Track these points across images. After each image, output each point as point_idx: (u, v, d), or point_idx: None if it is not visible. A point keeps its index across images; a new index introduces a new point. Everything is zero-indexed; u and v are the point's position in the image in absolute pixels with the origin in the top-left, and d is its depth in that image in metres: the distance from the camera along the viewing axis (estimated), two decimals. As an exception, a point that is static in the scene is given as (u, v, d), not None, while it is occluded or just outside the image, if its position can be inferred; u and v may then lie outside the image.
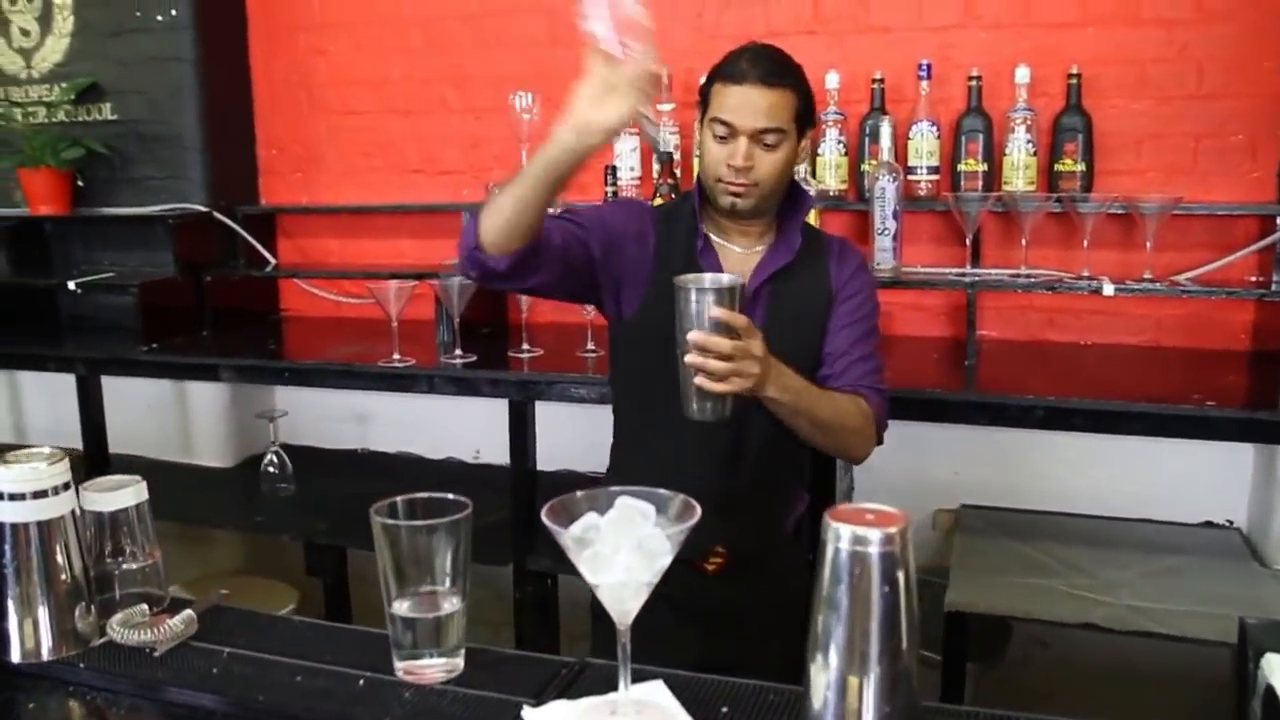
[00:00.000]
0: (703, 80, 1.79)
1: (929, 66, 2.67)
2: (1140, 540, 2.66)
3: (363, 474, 3.34)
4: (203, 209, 3.28)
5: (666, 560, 0.98)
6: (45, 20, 3.36)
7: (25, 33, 3.39)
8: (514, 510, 2.66)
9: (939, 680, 2.44)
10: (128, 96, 3.32)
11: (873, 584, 0.91)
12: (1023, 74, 2.61)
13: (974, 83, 2.66)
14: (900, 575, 0.92)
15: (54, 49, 3.37)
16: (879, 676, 0.92)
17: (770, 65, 1.69)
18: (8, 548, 1.17)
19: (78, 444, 3.12)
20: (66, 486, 1.21)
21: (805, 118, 1.74)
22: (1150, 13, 2.61)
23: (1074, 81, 2.60)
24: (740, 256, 1.82)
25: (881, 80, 2.73)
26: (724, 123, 1.70)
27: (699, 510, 1.00)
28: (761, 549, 1.86)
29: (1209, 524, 2.73)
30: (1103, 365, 2.60)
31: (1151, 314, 2.71)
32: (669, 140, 1.47)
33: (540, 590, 2.68)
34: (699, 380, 1.46)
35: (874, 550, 0.91)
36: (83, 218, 3.38)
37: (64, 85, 3.33)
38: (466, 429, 3.31)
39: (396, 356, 2.67)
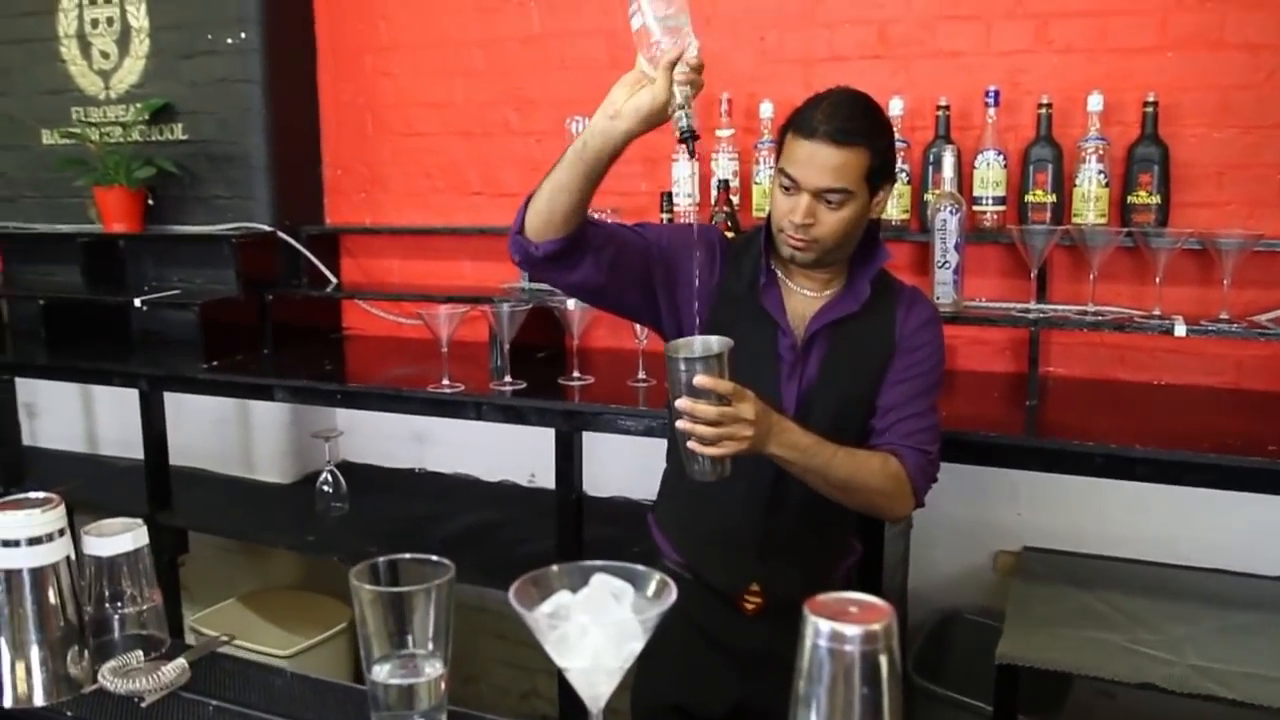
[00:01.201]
0: (782, 123, 1.75)
1: (997, 93, 2.57)
2: (1211, 592, 2.52)
3: (418, 494, 3.35)
4: (266, 228, 3.32)
5: (638, 646, 0.93)
6: (123, 43, 3.45)
7: (105, 55, 3.49)
8: (559, 539, 2.63)
9: (989, 733, 2.35)
10: (198, 117, 3.39)
11: (853, 685, 0.85)
12: (1095, 101, 2.49)
13: (1044, 110, 2.56)
14: (883, 676, 0.86)
15: (131, 70, 3.46)
16: (861, 780, 0.86)
17: (843, 122, 1.62)
18: (1, 593, 1.18)
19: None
20: (62, 533, 1.21)
21: (878, 175, 1.68)
22: (1234, 37, 2.47)
23: (1150, 109, 2.48)
24: (804, 300, 1.79)
25: (946, 107, 2.64)
26: (789, 176, 1.66)
27: (675, 591, 0.95)
28: (804, 593, 1.80)
29: (1288, 577, 2.58)
30: (1174, 408, 2.47)
31: (1231, 354, 2.56)
32: (693, 118, 1.46)
33: (583, 621, 2.64)
34: (691, 444, 1.47)
35: (854, 649, 0.85)
36: (153, 235, 3.45)
37: (139, 106, 3.41)
38: (522, 452, 3.29)
39: (446, 382, 2.67)
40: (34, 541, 1.17)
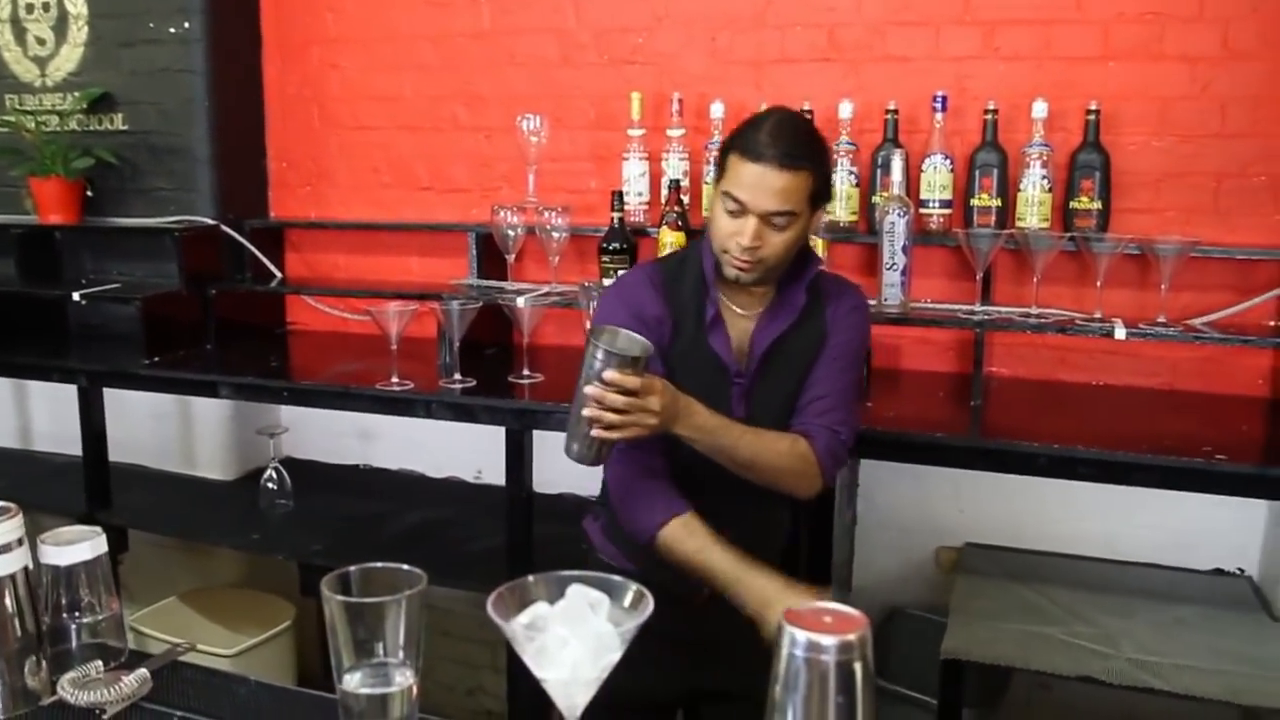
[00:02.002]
0: (721, 141, 1.79)
1: (944, 98, 2.62)
2: (1147, 587, 2.60)
3: (364, 492, 3.32)
4: (210, 221, 3.27)
5: (615, 657, 0.94)
6: (60, 29, 3.36)
7: (41, 41, 3.40)
8: (509, 537, 2.63)
9: (934, 727, 2.40)
10: (139, 107, 3.32)
11: (828, 695, 0.87)
12: (1040, 108, 2.55)
13: (990, 116, 2.61)
14: (858, 684, 0.88)
15: (68, 58, 3.37)
16: (834, 787, 0.88)
17: (789, 145, 1.66)
18: (-43, 604, 1.15)
19: (80, 449, 3.12)
20: (20, 543, 1.18)
21: (820, 196, 1.73)
22: (1174, 49, 2.54)
23: (1093, 117, 2.54)
24: (744, 320, 1.83)
25: (895, 111, 2.67)
26: (734, 199, 1.68)
27: (652, 601, 0.96)
28: None
29: (1219, 571, 2.67)
30: (1114, 409, 2.54)
31: (1167, 356, 2.64)
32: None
33: (534, 621, 2.64)
34: (596, 432, 1.56)
35: (830, 659, 0.87)
36: (91, 227, 3.37)
37: (76, 94, 3.33)
38: (469, 449, 3.29)
39: (395, 380, 2.65)
40: (-10, 552, 1.15)
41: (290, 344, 3.36)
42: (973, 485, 2.79)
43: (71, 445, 3.36)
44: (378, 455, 3.47)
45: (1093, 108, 2.54)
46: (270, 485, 3.09)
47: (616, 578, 0.99)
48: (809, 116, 1.79)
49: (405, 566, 1.09)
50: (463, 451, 3.32)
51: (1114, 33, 2.59)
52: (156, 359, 2.98)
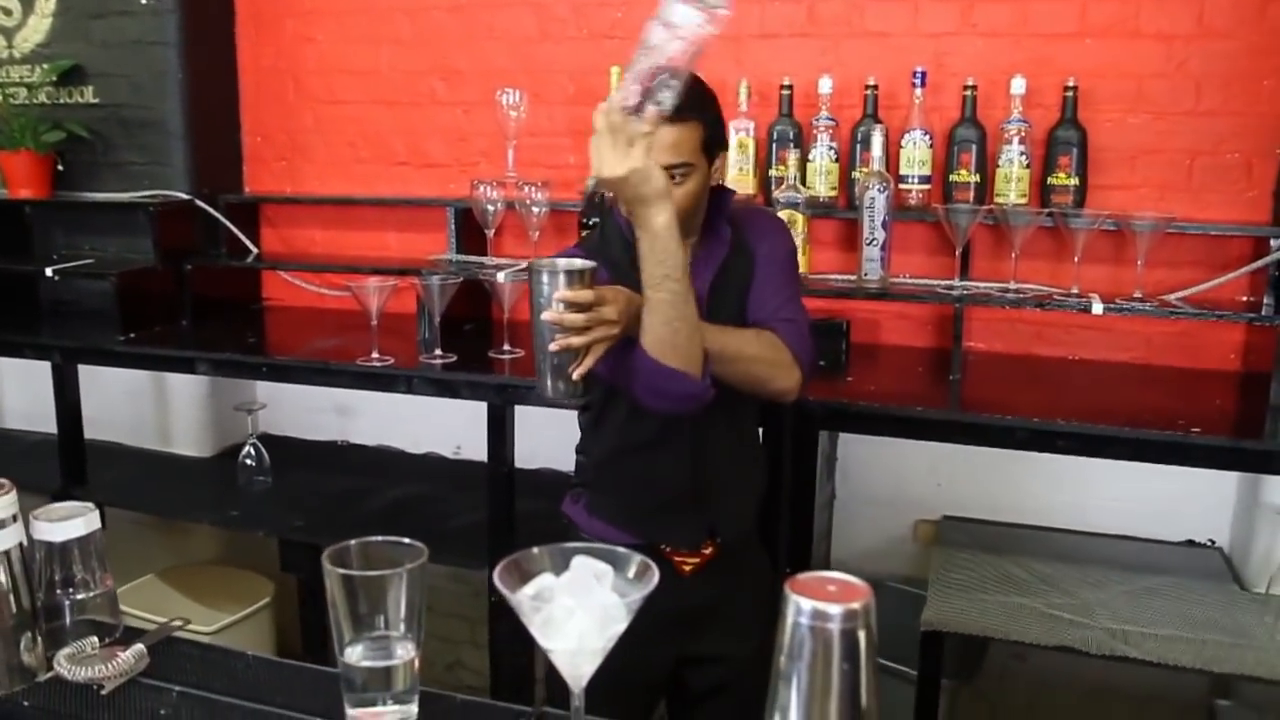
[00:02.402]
0: None
1: (923, 74, 2.63)
2: (1121, 558, 2.65)
3: (342, 467, 3.32)
4: (184, 196, 3.23)
5: (621, 627, 0.95)
6: (27, 0, 3.30)
7: (7, 11, 3.33)
8: (491, 512, 2.63)
9: (913, 697, 2.43)
10: (111, 80, 3.27)
11: (833, 662, 0.88)
12: (1018, 84, 2.57)
13: (969, 92, 2.62)
14: (862, 653, 0.89)
15: (36, 29, 3.31)
16: (837, 752, 0.89)
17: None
18: (-48, 581, 1.14)
19: (53, 428, 3.10)
20: (15, 519, 1.18)
21: (713, 145, 1.75)
22: (1150, 27, 2.56)
23: (1070, 94, 2.56)
24: None
25: (875, 87, 2.68)
26: None
27: (657, 573, 0.97)
28: (744, 529, 1.99)
29: (1191, 543, 2.72)
30: (1090, 383, 2.57)
31: (1141, 331, 2.68)
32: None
33: (516, 594, 2.65)
34: (556, 345, 1.52)
35: (835, 626, 0.88)
36: (63, 202, 3.32)
37: (45, 67, 3.27)
38: (448, 424, 3.29)
39: (375, 355, 2.64)
40: (-14, 527, 1.14)
41: (266, 320, 3.34)
42: (949, 460, 2.82)
43: (43, 423, 3.33)
44: (356, 431, 3.47)
45: (1070, 84, 2.56)
46: (249, 462, 3.08)
47: (621, 549, 1.00)
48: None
49: (406, 540, 1.10)
50: (441, 427, 3.32)
51: (1091, 10, 2.60)
52: (132, 335, 2.96)
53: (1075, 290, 2.51)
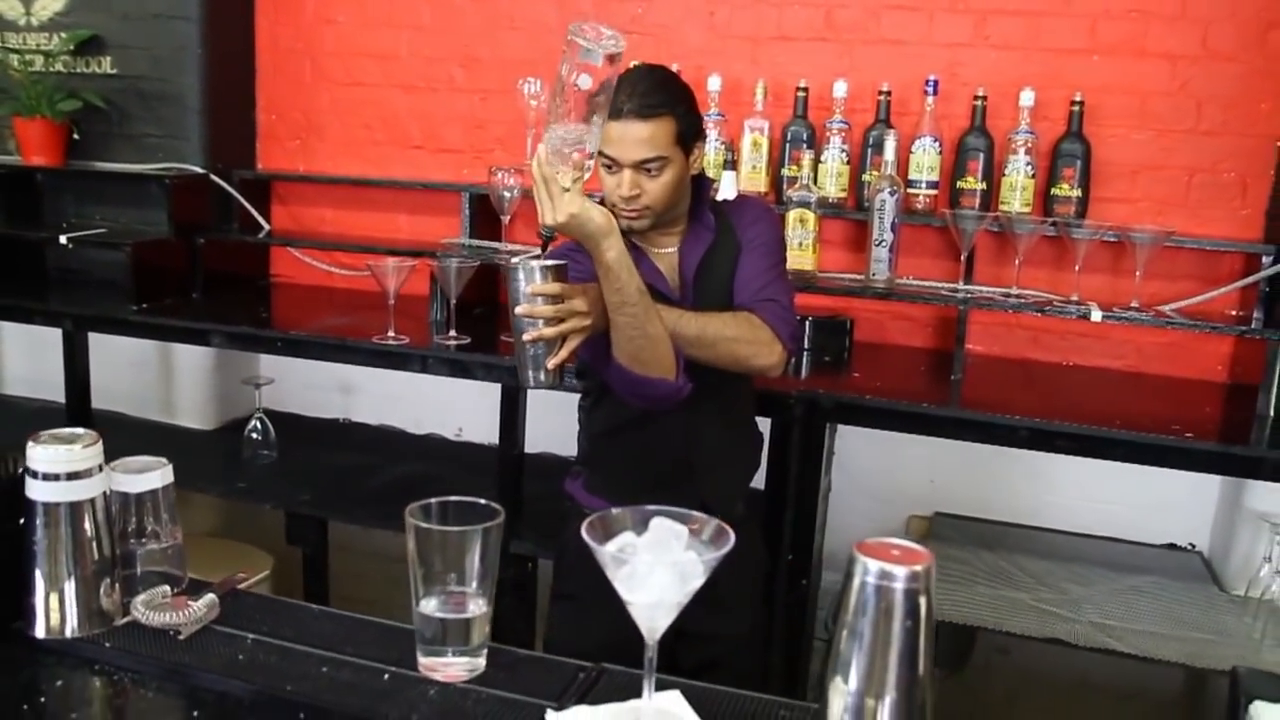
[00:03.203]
0: None
1: (935, 83, 2.71)
2: (1106, 558, 2.75)
3: (345, 445, 3.36)
4: (199, 170, 3.26)
5: (697, 584, 1.02)
6: (48, -33, 3.32)
7: (26, -21, 3.35)
8: (500, 493, 2.69)
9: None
10: (129, 51, 3.29)
11: (895, 618, 0.96)
12: (1027, 97, 2.66)
13: (979, 102, 2.71)
14: (922, 611, 0.97)
15: (55, -2, 3.33)
16: (894, 705, 0.97)
17: (644, 97, 1.74)
18: (39, 526, 1.19)
19: (56, 396, 3.12)
20: (100, 469, 1.23)
21: (688, 136, 1.80)
22: (1156, 46, 2.66)
23: (1076, 108, 2.65)
24: (668, 255, 1.92)
25: (888, 93, 2.76)
26: (606, 156, 1.77)
27: (733, 536, 1.04)
28: (735, 504, 2.01)
29: (1173, 546, 2.83)
30: (1084, 388, 2.66)
31: (1134, 340, 2.78)
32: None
33: (521, 573, 2.71)
34: (530, 335, 1.61)
35: (899, 586, 0.96)
36: (76, 171, 3.34)
37: (64, 35, 3.29)
38: (450, 406, 3.34)
39: (391, 334, 2.69)
40: (73, 476, 1.19)
41: (276, 295, 3.37)
42: (943, 458, 2.90)
43: (45, 390, 3.35)
44: (358, 410, 3.51)
45: (1077, 99, 2.65)
46: (254, 435, 3.11)
47: (698, 513, 1.07)
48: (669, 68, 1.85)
49: (483, 501, 1.15)
50: (443, 409, 3.37)
51: (1100, 28, 2.70)
52: (144, 305, 2.98)
53: (1075, 298, 2.60)
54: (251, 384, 3.13)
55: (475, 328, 2.80)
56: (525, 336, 1.62)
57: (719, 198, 2.17)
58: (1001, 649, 2.84)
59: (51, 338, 3.11)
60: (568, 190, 1.56)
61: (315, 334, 2.80)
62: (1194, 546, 2.82)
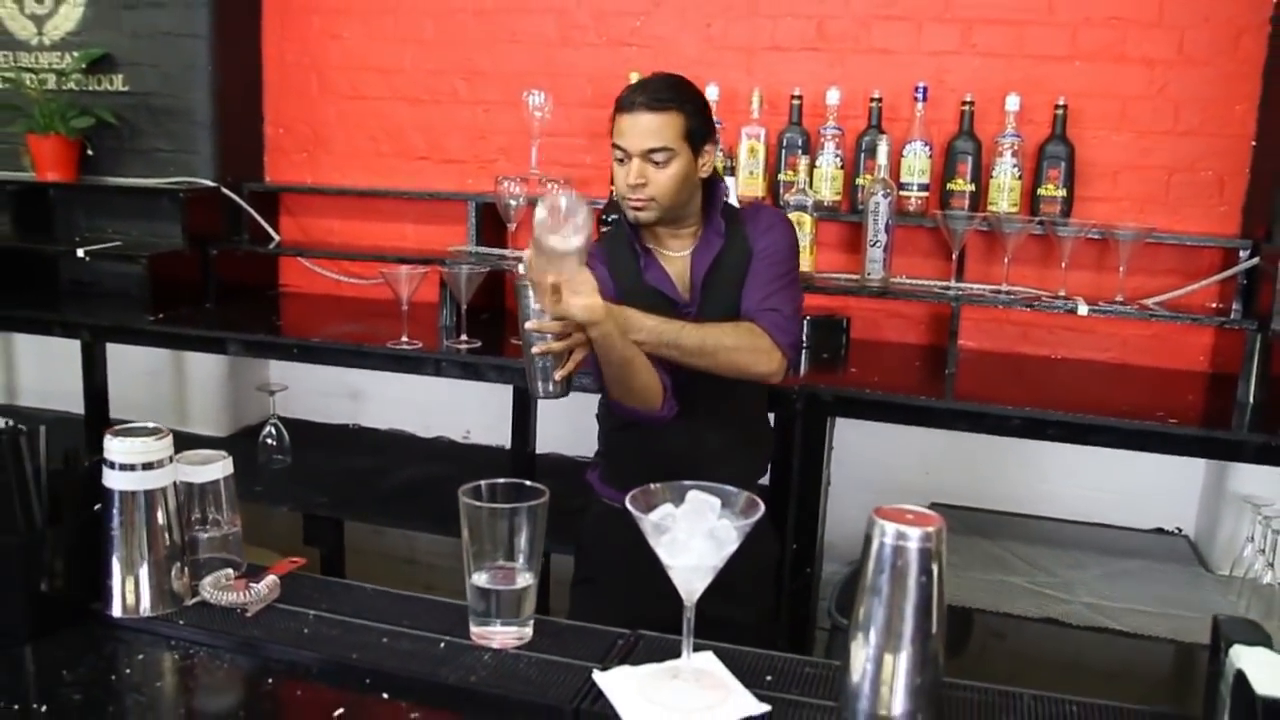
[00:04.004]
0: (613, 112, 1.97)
1: (925, 89, 2.82)
2: (1097, 543, 2.86)
3: (356, 449, 3.45)
4: (209, 183, 3.35)
5: (733, 548, 1.12)
6: (59, -11, 3.41)
7: (39, 0, 3.44)
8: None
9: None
10: (140, 69, 3.38)
11: (911, 574, 1.06)
12: (1013, 102, 2.77)
13: (966, 107, 2.82)
14: (935, 568, 1.07)
15: (67, 17, 3.42)
16: (912, 654, 1.07)
17: (655, 91, 1.87)
18: (116, 512, 1.29)
19: (71, 406, 3.20)
20: (171, 459, 1.32)
21: (696, 135, 1.90)
22: (1135, 52, 2.78)
23: (1060, 112, 2.77)
24: (679, 259, 2.01)
25: (879, 99, 2.88)
26: (619, 147, 1.90)
27: (762, 506, 1.14)
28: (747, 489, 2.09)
29: (1160, 530, 2.94)
30: (1073, 379, 2.78)
31: (1119, 333, 2.89)
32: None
33: (534, 568, 2.80)
34: (538, 349, 1.70)
35: (913, 545, 1.07)
36: (88, 186, 3.42)
37: (76, 54, 3.38)
38: (458, 410, 3.44)
39: (405, 339, 2.78)
40: (148, 466, 1.29)
41: (287, 305, 3.46)
42: (937, 450, 3.01)
43: (58, 401, 3.43)
44: (367, 415, 3.60)
45: (1060, 103, 2.77)
46: (269, 441, 3.20)
47: (730, 488, 1.17)
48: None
49: (528, 482, 1.25)
50: (451, 412, 3.47)
51: (1081, 35, 2.82)
52: (161, 315, 3.07)
53: (1062, 293, 2.71)
54: (265, 391, 3.21)
55: (485, 332, 2.89)
56: (534, 350, 1.71)
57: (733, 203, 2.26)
58: (998, 633, 2.94)
59: (63, 350, 3.20)
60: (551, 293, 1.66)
61: (330, 340, 2.89)
62: (1180, 530, 2.93)
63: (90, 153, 3.42)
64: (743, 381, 1.99)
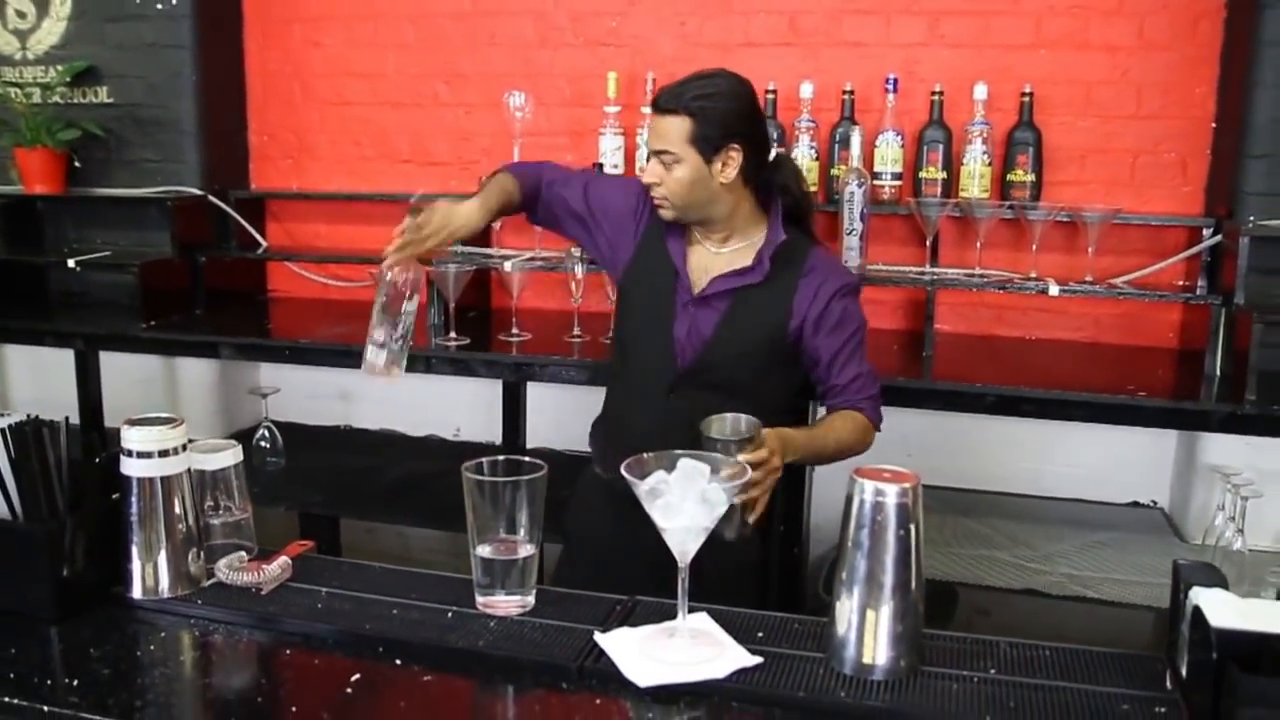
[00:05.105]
0: None
1: (895, 81, 2.90)
2: (1074, 518, 2.94)
3: (348, 449, 3.50)
4: (197, 192, 3.40)
5: (722, 509, 1.19)
6: (42, 4, 3.44)
7: (21, 15, 3.48)
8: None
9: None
10: (125, 81, 3.43)
11: (889, 528, 1.14)
12: (980, 91, 2.85)
13: (936, 97, 2.90)
14: (911, 523, 1.15)
15: (50, 32, 3.46)
16: (893, 604, 1.15)
17: (671, 94, 1.91)
18: (134, 499, 1.35)
19: (60, 415, 3.22)
20: (185, 447, 1.38)
21: (706, 140, 1.88)
22: (1097, 39, 2.87)
23: (1026, 99, 2.86)
24: (708, 255, 2.04)
25: (851, 92, 2.95)
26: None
27: (750, 471, 1.22)
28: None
29: (1135, 504, 3.02)
30: (1046, 358, 2.87)
31: (1090, 312, 2.98)
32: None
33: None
34: (753, 514, 1.65)
35: (891, 501, 1.14)
36: (76, 197, 3.47)
37: (60, 68, 3.42)
38: (447, 408, 3.49)
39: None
40: (164, 454, 1.35)
41: (276, 309, 3.52)
42: (919, 432, 3.08)
43: (52, 411, 3.42)
44: (358, 416, 3.65)
45: (1026, 90, 2.86)
46: (263, 444, 3.24)
47: (717, 455, 1.24)
48: (749, 88, 1.96)
49: (526, 459, 1.32)
50: (440, 411, 3.52)
51: (1045, 24, 2.91)
52: (153, 323, 3.12)
53: (1034, 275, 2.80)
54: (258, 394, 3.26)
55: (473, 330, 2.96)
56: (751, 519, 1.63)
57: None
58: (982, 610, 3.02)
59: (54, 360, 3.24)
60: None
61: (321, 341, 2.94)
62: (1155, 503, 3.02)
63: (77, 164, 3.47)
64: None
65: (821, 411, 2.11)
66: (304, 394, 3.60)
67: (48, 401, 3.55)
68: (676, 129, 1.89)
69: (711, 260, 2.03)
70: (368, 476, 3.24)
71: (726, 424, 1.63)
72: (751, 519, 1.66)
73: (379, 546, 3.52)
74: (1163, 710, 1.19)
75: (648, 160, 1.97)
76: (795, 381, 2.10)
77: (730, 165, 1.92)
